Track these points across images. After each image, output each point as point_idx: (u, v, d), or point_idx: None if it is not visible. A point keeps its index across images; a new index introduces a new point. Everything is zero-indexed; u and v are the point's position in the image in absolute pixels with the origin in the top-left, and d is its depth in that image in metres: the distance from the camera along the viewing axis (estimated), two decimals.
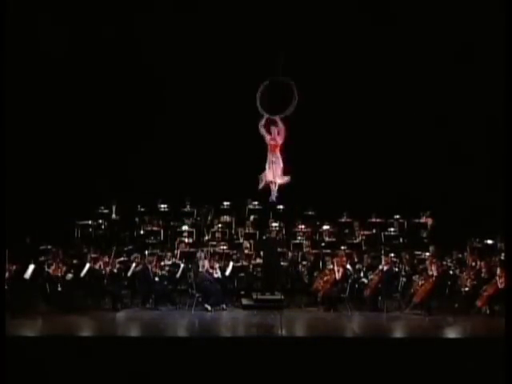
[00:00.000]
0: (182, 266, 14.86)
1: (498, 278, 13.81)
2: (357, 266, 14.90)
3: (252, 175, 17.08)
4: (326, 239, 16.18)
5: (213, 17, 17.13)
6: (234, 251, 15.56)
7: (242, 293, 15.13)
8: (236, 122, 17.43)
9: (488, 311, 13.94)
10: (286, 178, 15.25)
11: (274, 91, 14.74)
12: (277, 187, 15.23)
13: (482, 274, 14.30)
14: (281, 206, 16.69)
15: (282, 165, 15.16)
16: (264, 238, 15.76)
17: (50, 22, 17.10)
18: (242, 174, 17.20)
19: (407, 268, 14.90)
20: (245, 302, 14.77)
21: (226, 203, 16.84)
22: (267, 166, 15.21)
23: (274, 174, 15.12)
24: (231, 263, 15.01)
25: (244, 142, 17.42)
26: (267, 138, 15.15)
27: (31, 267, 13.94)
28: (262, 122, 15.06)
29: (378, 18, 17.21)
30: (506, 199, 12.45)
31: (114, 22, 17.31)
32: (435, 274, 14.15)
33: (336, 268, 14.51)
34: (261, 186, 15.37)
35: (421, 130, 17.82)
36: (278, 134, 14.95)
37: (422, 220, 16.75)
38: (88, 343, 11.96)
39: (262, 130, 15.06)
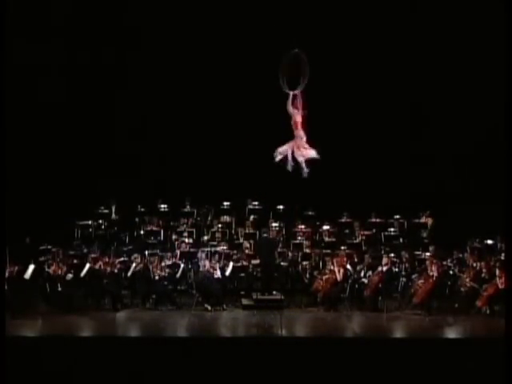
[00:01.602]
0: (182, 266, 14.87)
1: (498, 278, 13.82)
2: (357, 267, 14.90)
3: (252, 175, 17.14)
4: (326, 239, 16.16)
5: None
6: (234, 251, 15.56)
7: (242, 293, 15.14)
8: (236, 122, 17.46)
9: (488, 311, 13.94)
10: (313, 152, 14.60)
11: (292, 65, 14.32)
12: (304, 162, 14.55)
13: (482, 274, 14.30)
14: (281, 206, 16.68)
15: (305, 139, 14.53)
16: (261, 237, 15.70)
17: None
18: (242, 174, 17.25)
19: (407, 268, 14.90)
20: (245, 301, 14.78)
21: (226, 203, 16.82)
22: (295, 143, 14.43)
23: (301, 149, 14.46)
24: (231, 263, 15.02)
25: (244, 141, 17.47)
26: (297, 114, 14.25)
27: (31, 267, 13.94)
28: (290, 100, 14.16)
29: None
30: (506, 199, 12.48)
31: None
32: (435, 274, 14.15)
33: (336, 268, 14.53)
34: (278, 159, 14.64)
35: (421, 130, 17.81)
36: (299, 109, 14.36)
37: (422, 220, 16.72)
38: (88, 343, 11.97)
39: (290, 109, 14.20)
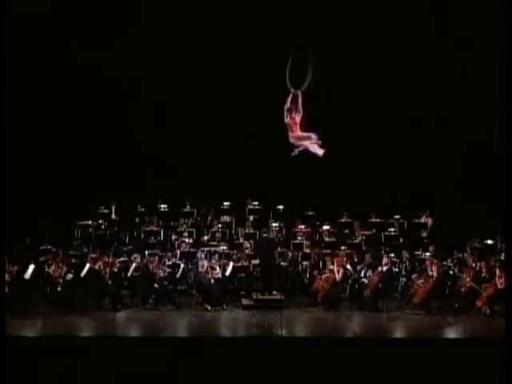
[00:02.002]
0: (182, 266, 14.87)
1: (497, 278, 13.82)
2: (357, 267, 14.90)
3: (252, 175, 17.14)
4: (326, 239, 16.17)
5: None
6: (234, 251, 15.57)
7: (242, 293, 15.14)
8: (236, 122, 17.46)
9: (488, 311, 13.94)
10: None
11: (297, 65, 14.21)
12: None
13: (482, 274, 14.30)
14: (281, 206, 16.69)
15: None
16: (261, 237, 15.68)
17: None
18: (242, 174, 17.24)
19: (407, 268, 14.91)
20: (245, 301, 14.78)
21: (226, 203, 16.82)
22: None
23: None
24: (231, 263, 15.03)
25: (244, 142, 17.47)
26: (294, 115, 13.92)
27: (31, 267, 13.94)
28: (289, 99, 13.76)
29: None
30: (506, 199, 12.48)
31: None
32: (435, 274, 14.16)
33: (336, 268, 14.54)
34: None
35: (421, 130, 17.81)
36: (296, 111, 14.08)
37: (422, 220, 16.73)
38: (88, 343, 11.97)
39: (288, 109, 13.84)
